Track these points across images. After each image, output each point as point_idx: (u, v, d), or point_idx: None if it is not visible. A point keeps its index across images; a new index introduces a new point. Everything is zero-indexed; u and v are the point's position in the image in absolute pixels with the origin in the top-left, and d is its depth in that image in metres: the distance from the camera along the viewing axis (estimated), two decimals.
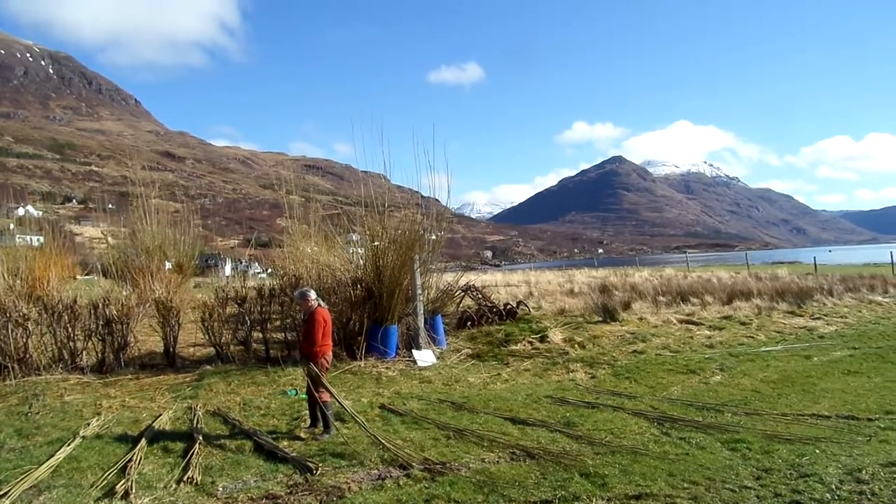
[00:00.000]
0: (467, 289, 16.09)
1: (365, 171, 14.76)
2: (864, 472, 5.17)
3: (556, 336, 13.01)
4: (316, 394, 6.75)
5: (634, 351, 12.09)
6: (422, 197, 15.31)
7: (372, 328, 11.44)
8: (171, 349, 11.12)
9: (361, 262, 12.67)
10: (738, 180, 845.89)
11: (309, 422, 7.11)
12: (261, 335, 11.53)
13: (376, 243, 12.38)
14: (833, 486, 4.92)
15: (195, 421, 7.36)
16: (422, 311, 12.17)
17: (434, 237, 13.81)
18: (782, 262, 48.83)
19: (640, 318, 15.08)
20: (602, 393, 9.03)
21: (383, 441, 6.17)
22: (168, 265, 16.77)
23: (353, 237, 14.38)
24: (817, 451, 5.92)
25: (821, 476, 5.15)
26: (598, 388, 9.45)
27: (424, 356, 11.31)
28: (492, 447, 6.29)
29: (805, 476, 5.22)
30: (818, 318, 15.58)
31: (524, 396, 8.72)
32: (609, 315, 14.75)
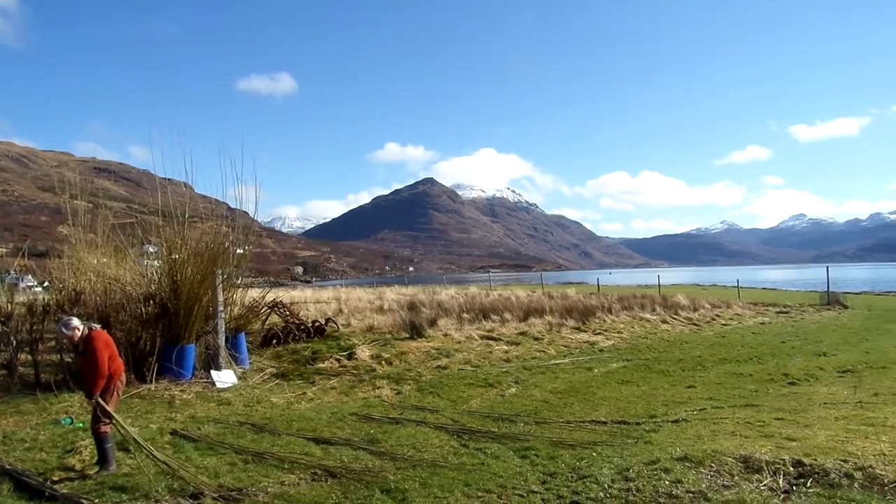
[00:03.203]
0: (274, 305, 15.57)
1: (167, 179, 13.72)
2: (631, 470, 5.76)
3: (363, 353, 13.04)
4: (99, 423, 6.03)
5: (438, 366, 12.49)
6: (229, 208, 14.60)
7: (166, 348, 10.59)
8: None
9: (156, 276, 11.71)
10: (537, 207, 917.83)
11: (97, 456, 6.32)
12: (30, 357, 10.15)
13: (175, 256, 11.53)
14: (606, 486, 5.43)
15: None
16: (223, 329, 11.53)
17: (241, 251, 13.24)
18: (572, 283, 53.93)
19: (445, 335, 15.64)
20: (406, 408, 9.19)
21: (173, 468, 5.71)
22: None
23: (149, 249, 13.26)
24: (594, 454, 6.50)
25: (597, 477, 5.66)
26: (403, 403, 9.61)
27: (224, 377, 10.72)
28: (293, 469, 6.11)
29: (584, 478, 5.70)
30: (599, 334, 17.27)
31: (329, 415, 8.61)
32: (416, 332, 15.12)
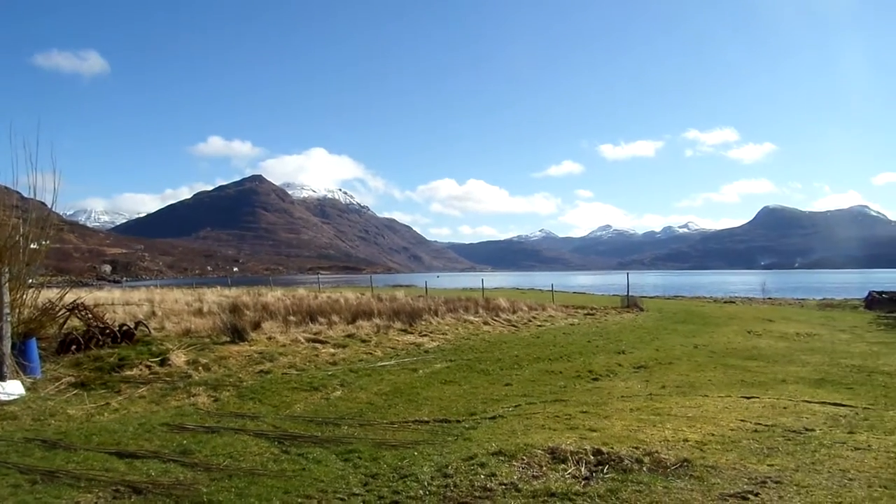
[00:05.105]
0: (74, 307, 14.06)
1: None
2: (450, 467, 5.97)
3: (178, 358, 12.20)
4: None
5: (261, 371, 12.05)
6: (21, 198, 13.04)
7: None
8: None
9: None
10: (368, 209, 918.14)
11: None
12: None
13: None
14: (426, 483, 5.58)
15: None
16: (9, 334, 10.20)
17: (35, 246, 11.85)
18: (401, 286, 54.76)
19: (270, 338, 15.12)
20: (225, 416, 8.76)
21: None
22: None
23: None
24: (416, 453, 6.64)
25: (417, 475, 5.79)
26: (221, 411, 9.14)
27: (9, 388, 9.47)
28: (91, 487, 5.55)
29: (405, 477, 5.80)
30: (425, 335, 17.67)
31: (136, 426, 7.95)
32: (238, 335, 14.45)
